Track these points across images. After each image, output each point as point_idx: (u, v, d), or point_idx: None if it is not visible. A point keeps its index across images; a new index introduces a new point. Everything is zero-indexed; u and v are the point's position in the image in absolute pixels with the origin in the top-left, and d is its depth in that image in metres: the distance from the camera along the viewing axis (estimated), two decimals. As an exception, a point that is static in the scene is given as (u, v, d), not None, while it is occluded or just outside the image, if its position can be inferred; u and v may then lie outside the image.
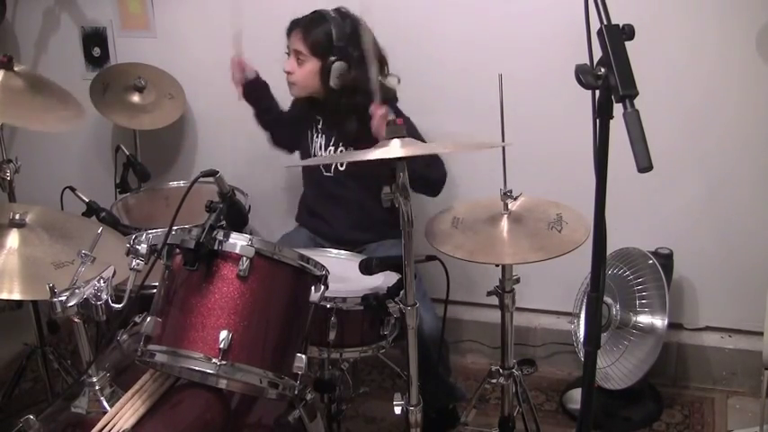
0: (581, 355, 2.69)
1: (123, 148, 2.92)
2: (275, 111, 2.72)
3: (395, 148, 1.67)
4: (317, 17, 2.46)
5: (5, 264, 1.84)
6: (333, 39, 2.41)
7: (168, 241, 1.62)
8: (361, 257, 2.06)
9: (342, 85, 2.43)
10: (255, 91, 2.64)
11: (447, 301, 1.97)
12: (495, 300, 2.14)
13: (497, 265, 2.07)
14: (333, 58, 2.41)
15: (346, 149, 2.55)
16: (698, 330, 2.88)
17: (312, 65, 2.45)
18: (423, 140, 2.33)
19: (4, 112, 2.37)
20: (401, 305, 1.74)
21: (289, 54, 2.51)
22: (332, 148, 2.58)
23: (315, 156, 2.62)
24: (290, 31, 2.50)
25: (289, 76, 2.51)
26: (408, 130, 2.28)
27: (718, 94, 2.62)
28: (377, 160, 1.65)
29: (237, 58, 2.57)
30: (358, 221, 2.59)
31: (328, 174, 2.60)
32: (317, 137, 2.62)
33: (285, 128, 2.73)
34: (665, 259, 2.63)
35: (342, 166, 2.56)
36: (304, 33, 2.44)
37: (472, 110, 2.75)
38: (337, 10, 2.47)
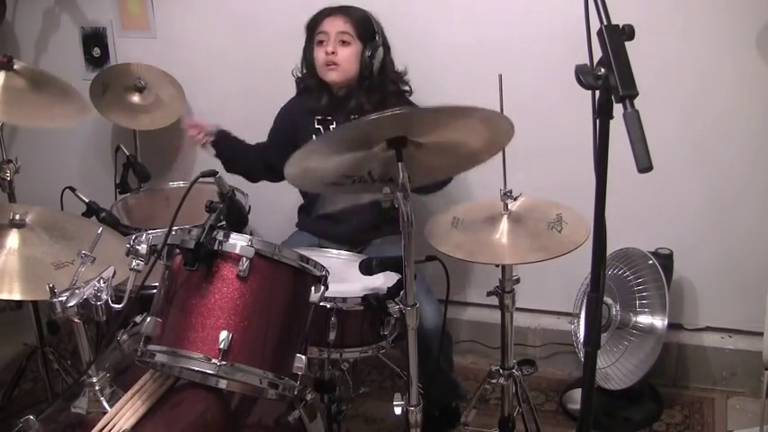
0: (581, 355, 2.68)
1: (123, 148, 2.92)
2: (253, 151, 2.66)
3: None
4: (349, 6, 2.49)
5: (5, 264, 1.83)
6: (373, 24, 2.46)
7: (168, 241, 1.62)
8: (361, 258, 2.06)
9: (380, 70, 2.46)
10: (227, 142, 2.61)
11: (447, 301, 1.97)
12: (494, 300, 2.15)
13: (497, 266, 2.07)
14: (378, 41, 2.45)
15: None
16: (698, 331, 2.88)
17: (356, 47, 2.45)
18: None
19: (6, 112, 2.36)
20: (401, 305, 1.74)
21: (320, 41, 2.46)
22: None
23: None
24: (321, 18, 2.47)
25: (331, 58, 2.43)
26: None
27: (718, 94, 2.62)
28: None
29: (190, 120, 2.62)
30: (373, 218, 2.47)
31: None
32: None
33: (266, 156, 2.64)
34: (665, 259, 2.62)
35: None
36: (347, 16, 2.45)
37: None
38: None
